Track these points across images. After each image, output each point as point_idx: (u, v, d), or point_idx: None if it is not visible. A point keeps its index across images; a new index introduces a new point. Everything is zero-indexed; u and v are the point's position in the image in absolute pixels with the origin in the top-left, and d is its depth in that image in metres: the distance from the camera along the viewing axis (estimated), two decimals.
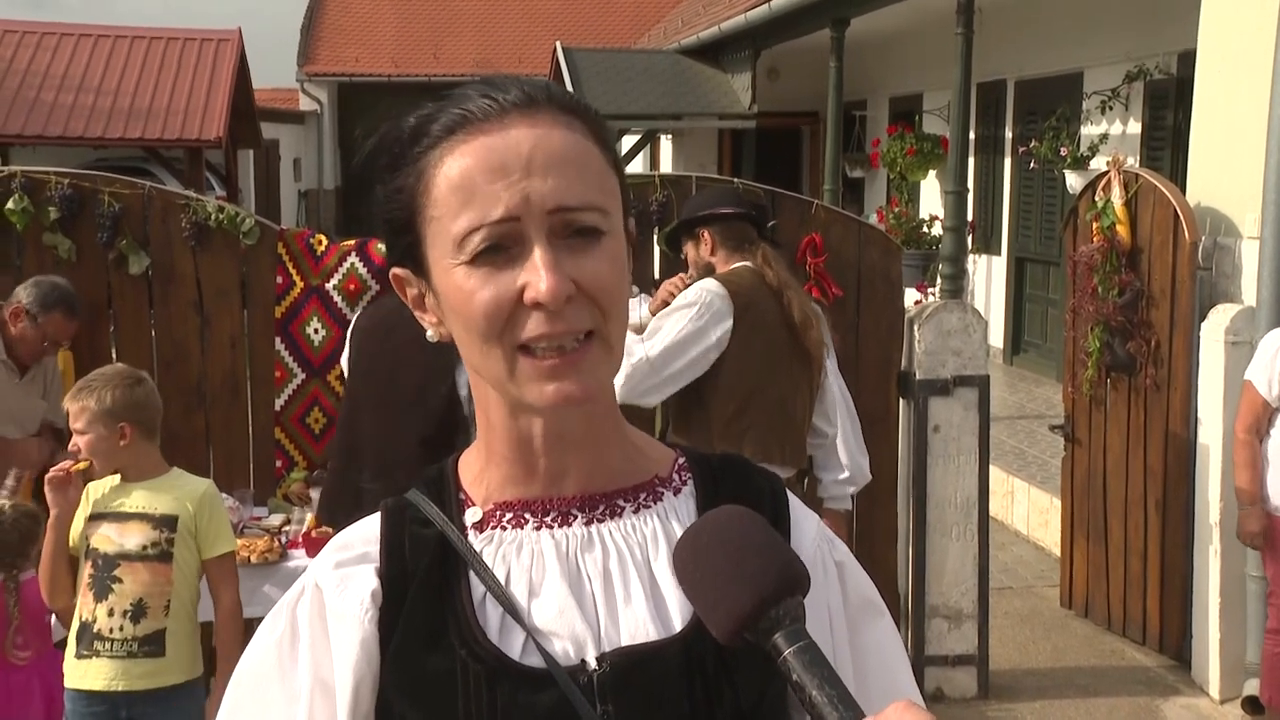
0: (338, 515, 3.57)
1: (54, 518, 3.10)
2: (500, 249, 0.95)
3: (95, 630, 3.06)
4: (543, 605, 1.00)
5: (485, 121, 0.97)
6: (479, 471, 1.07)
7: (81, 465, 3.11)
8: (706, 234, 3.67)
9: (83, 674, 3.06)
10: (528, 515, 1.04)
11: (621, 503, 1.05)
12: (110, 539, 3.08)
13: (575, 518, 1.04)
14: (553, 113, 0.98)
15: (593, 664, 0.98)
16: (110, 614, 3.06)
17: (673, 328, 3.46)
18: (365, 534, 1.06)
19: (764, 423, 3.56)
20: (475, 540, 1.04)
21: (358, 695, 1.00)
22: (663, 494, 1.07)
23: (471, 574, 1.02)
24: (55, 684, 3.24)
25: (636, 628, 1.00)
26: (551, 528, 1.03)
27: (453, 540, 1.03)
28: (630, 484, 1.06)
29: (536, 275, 0.93)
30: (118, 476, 3.19)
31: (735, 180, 5.51)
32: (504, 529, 1.04)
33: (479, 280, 0.95)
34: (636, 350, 3.45)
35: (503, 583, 1.01)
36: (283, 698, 1.02)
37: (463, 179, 0.96)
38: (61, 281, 4.32)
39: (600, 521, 1.04)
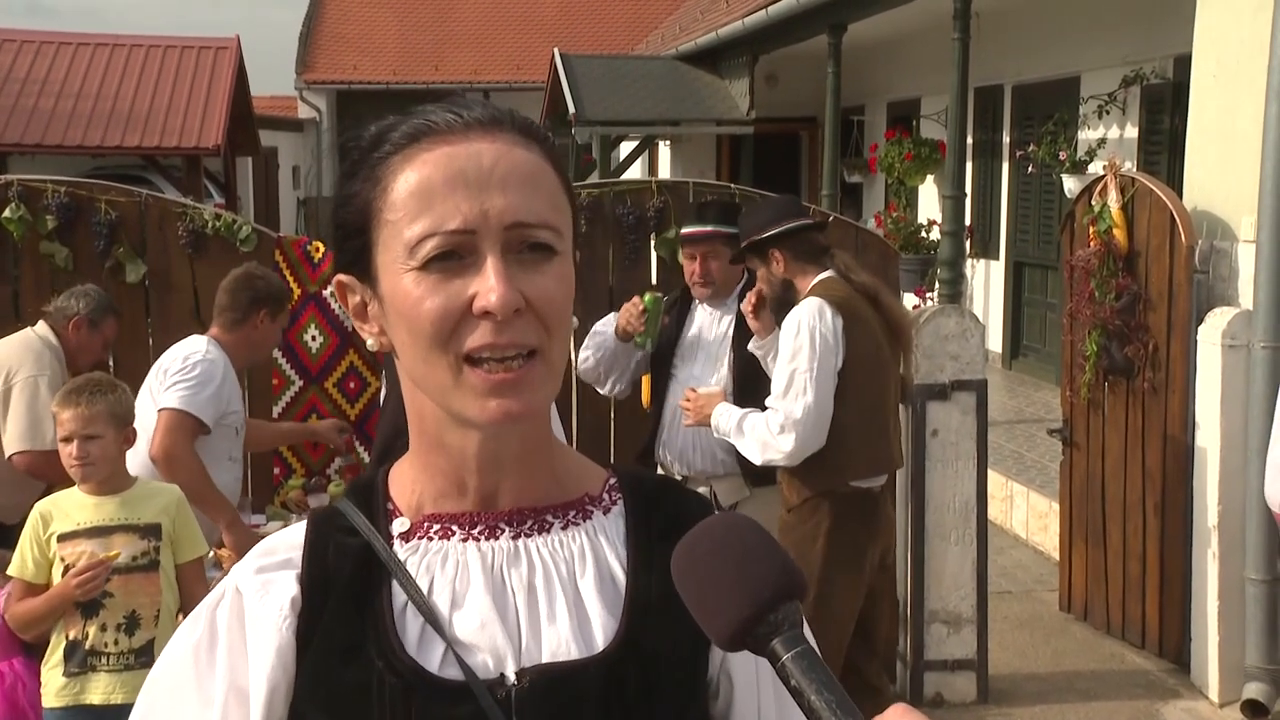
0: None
1: (68, 597, 2.98)
2: (453, 256, 0.95)
3: (88, 647, 3.01)
4: (465, 617, 1.00)
5: (449, 133, 0.98)
6: (409, 483, 1.06)
7: (113, 556, 3.00)
8: (777, 253, 3.63)
9: (78, 691, 3.01)
10: (455, 527, 1.04)
11: (550, 519, 1.05)
12: (96, 555, 3.00)
13: (503, 531, 1.03)
14: (513, 134, 1.00)
15: (512, 678, 0.98)
16: (103, 629, 3.01)
17: (807, 366, 3.44)
18: (290, 540, 1.05)
19: (865, 431, 3.57)
20: (401, 550, 1.03)
21: (271, 703, 0.99)
22: (592, 512, 1.07)
23: (394, 584, 1.01)
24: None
25: (559, 645, 0.99)
26: (478, 540, 1.03)
27: (377, 549, 1.02)
28: (560, 501, 1.06)
29: (487, 285, 0.94)
30: (64, 494, 3.11)
31: (731, 186, 5.52)
32: (430, 539, 1.04)
33: (429, 287, 0.95)
34: (781, 407, 3.45)
35: (425, 593, 1.01)
36: (197, 702, 1.01)
37: (422, 185, 0.96)
38: (97, 288, 4.41)
39: (528, 536, 1.04)
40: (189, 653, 1.02)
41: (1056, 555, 5.94)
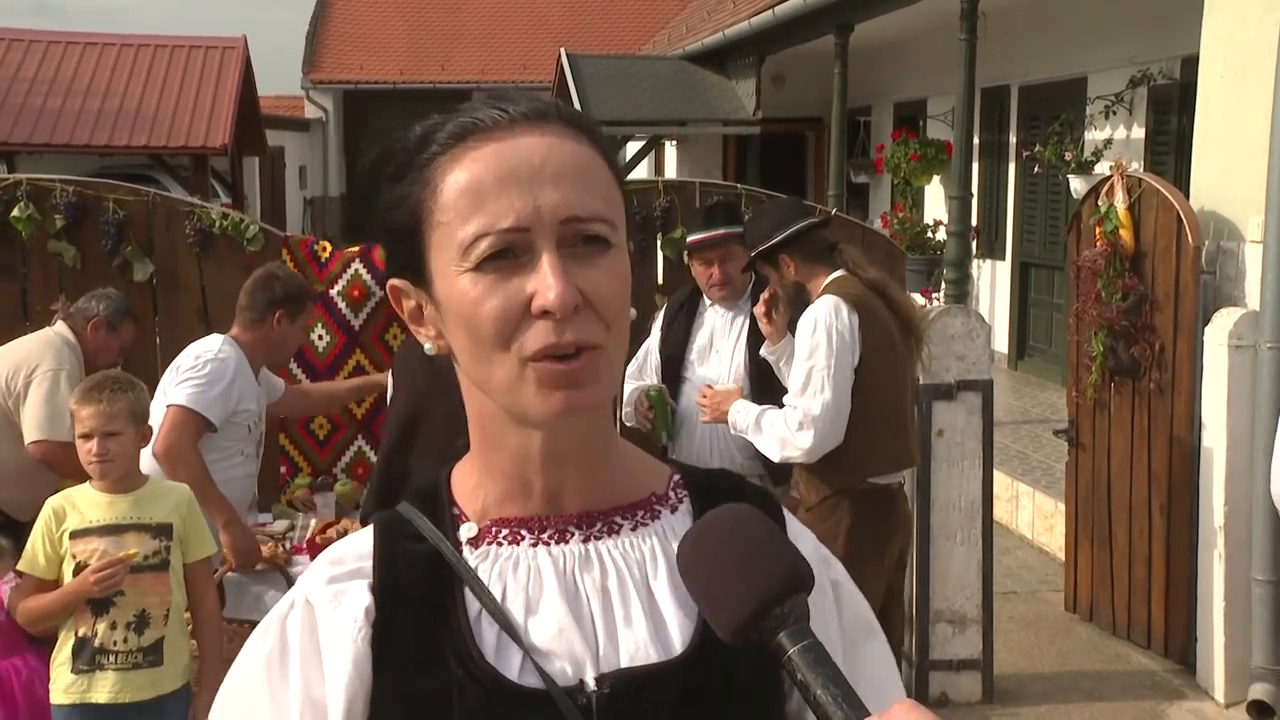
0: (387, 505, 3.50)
1: (84, 594, 2.98)
2: (508, 255, 0.94)
3: (97, 645, 3.02)
4: (540, 624, 0.99)
5: (495, 129, 0.96)
6: (473, 487, 1.05)
7: (132, 555, 3.01)
8: (786, 257, 3.62)
9: (85, 688, 3.02)
10: (524, 532, 1.02)
11: (619, 520, 1.03)
12: (109, 554, 3.01)
13: (573, 535, 1.02)
14: (560, 126, 0.98)
15: (592, 685, 0.97)
16: (113, 627, 3.02)
17: (825, 363, 3.45)
18: (358, 549, 1.04)
19: (882, 427, 3.58)
20: (470, 557, 1.02)
21: (350, 714, 0.97)
22: (660, 512, 1.05)
23: (467, 591, 1.00)
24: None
25: (636, 649, 0.98)
26: (548, 545, 1.02)
27: (447, 556, 1.01)
28: (628, 502, 1.05)
29: (545, 283, 0.92)
30: (77, 491, 3.12)
31: (738, 186, 5.52)
32: (500, 545, 1.02)
33: (486, 287, 0.94)
34: (800, 404, 3.46)
35: (499, 600, 1.00)
36: (272, 714, 1.00)
37: (472, 184, 0.95)
38: (117, 291, 4.46)
39: (598, 539, 1.02)
40: (261, 665, 1.01)
41: (1061, 556, 5.93)
